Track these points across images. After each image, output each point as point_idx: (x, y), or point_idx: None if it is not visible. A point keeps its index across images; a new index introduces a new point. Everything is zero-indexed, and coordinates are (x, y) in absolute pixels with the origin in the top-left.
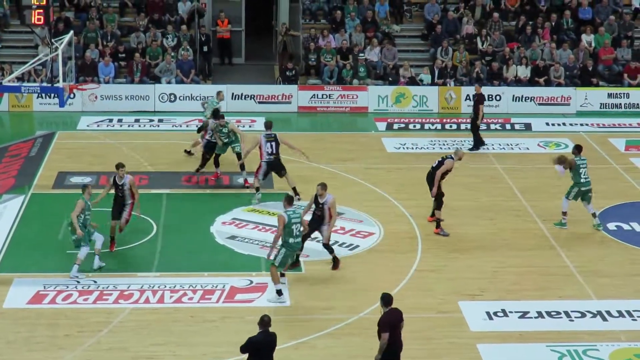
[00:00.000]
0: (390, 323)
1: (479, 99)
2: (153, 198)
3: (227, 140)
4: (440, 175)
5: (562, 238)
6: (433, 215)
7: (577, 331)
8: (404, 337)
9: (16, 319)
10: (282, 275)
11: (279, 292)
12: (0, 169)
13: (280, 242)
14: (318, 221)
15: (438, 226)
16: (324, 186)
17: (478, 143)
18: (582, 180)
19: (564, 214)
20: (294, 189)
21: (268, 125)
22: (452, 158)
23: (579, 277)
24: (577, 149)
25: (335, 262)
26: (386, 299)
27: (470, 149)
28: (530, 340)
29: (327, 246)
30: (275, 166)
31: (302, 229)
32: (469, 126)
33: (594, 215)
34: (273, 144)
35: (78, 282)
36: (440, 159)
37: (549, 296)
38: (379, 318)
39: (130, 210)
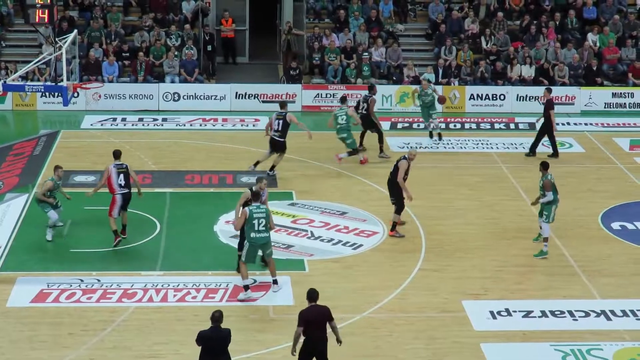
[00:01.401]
0: (306, 318)
1: (548, 105)
2: (157, 197)
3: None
4: (403, 179)
5: (566, 237)
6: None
7: (581, 330)
8: (408, 335)
9: (20, 317)
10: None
11: (246, 287)
12: (4, 168)
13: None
14: None
15: (393, 228)
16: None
17: (555, 150)
18: (557, 197)
19: (546, 240)
20: (272, 167)
21: (282, 104)
22: (405, 159)
23: (582, 276)
24: (544, 167)
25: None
26: (309, 295)
27: (550, 156)
28: (534, 339)
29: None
30: (275, 144)
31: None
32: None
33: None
34: (281, 122)
35: (82, 280)
36: (395, 163)
37: (553, 295)
38: (300, 310)
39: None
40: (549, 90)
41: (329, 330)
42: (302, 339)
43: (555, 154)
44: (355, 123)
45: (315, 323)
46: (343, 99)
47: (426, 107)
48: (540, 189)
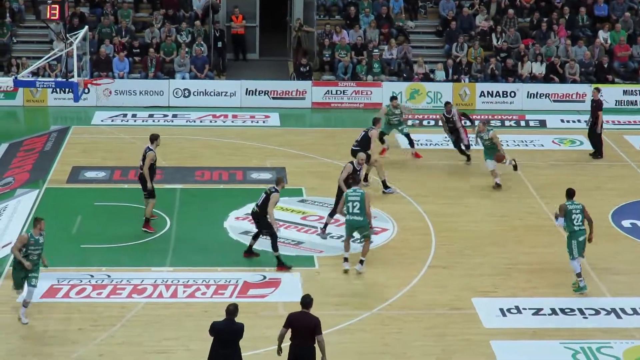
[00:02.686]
0: (291, 322)
1: (597, 105)
2: (167, 193)
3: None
4: (344, 181)
5: None
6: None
7: (591, 328)
8: (418, 332)
9: (30, 313)
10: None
11: (361, 262)
12: (15, 164)
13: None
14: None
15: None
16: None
17: (599, 149)
18: (575, 228)
19: (579, 275)
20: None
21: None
22: (351, 163)
23: (592, 274)
24: (568, 194)
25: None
26: (302, 301)
27: (593, 155)
28: (543, 337)
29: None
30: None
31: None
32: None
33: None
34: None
35: (92, 275)
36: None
37: (563, 293)
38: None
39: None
40: (598, 90)
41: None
42: (288, 343)
43: (599, 153)
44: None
45: (299, 330)
46: (393, 98)
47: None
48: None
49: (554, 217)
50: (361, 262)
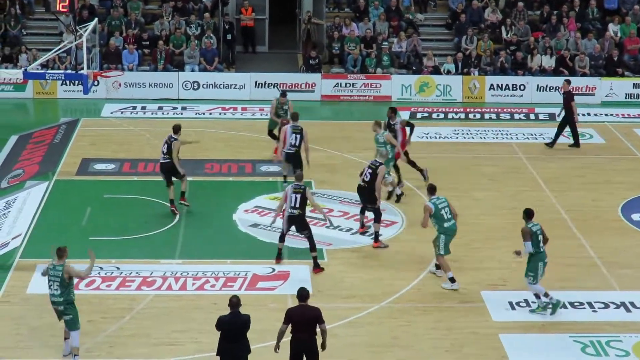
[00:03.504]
0: (292, 318)
1: (568, 96)
2: (176, 185)
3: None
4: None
5: (586, 229)
6: (377, 240)
7: (600, 322)
8: (426, 325)
9: (40, 304)
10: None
11: (452, 280)
12: (25, 156)
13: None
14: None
15: (377, 239)
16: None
17: (576, 140)
18: (542, 249)
19: (546, 295)
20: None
21: (294, 116)
22: (382, 164)
23: (602, 267)
24: (527, 215)
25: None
26: (299, 294)
27: (571, 145)
28: (552, 330)
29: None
30: (293, 159)
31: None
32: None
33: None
34: (298, 136)
35: (101, 268)
36: (370, 171)
37: (572, 287)
38: (288, 308)
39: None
40: (568, 82)
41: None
42: (289, 338)
43: (576, 143)
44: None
45: (300, 323)
46: (283, 94)
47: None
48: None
49: (522, 249)
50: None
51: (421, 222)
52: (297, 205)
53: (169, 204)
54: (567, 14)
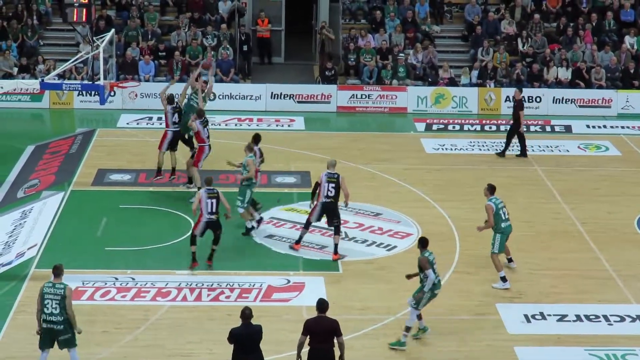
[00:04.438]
0: (310, 329)
1: (518, 105)
2: (191, 196)
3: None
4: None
5: (601, 241)
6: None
7: (616, 335)
8: (442, 337)
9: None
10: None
11: (504, 279)
12: (41, 166)
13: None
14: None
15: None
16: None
17: (523, 150)
18: (437, 280)
19: (408, 329)
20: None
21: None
22: (338, 174)
23: (618, 280)
24: (423, 244)
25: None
26: (319, 305)
27: (518, 155)
28: (568, 343)
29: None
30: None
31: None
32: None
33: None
34: (333, 185)
35: (116, 278)
36: (333, 185)
37: (588, 300)
38: (306, 319)
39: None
40: (520, 90)
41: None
42: (307, 349)
43: (523, 154)
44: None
45: (319, 335)
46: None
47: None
48: (418, 269)
49: (427, 274)
50: (510, 260)
51: (486, 223)
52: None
53: (184, 215)
54: (583, 26)
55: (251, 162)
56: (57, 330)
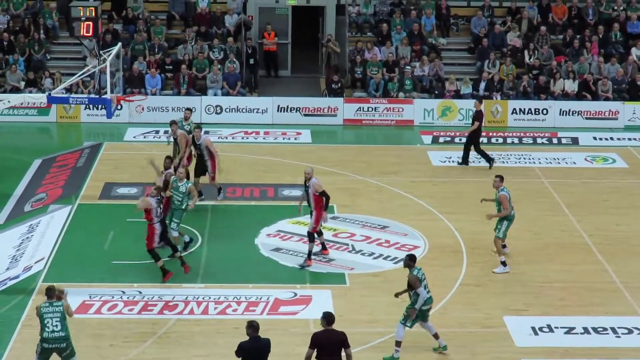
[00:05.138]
0: (317, 342)
1: (476, 116)
2: (198, 209)
3: None
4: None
5: (609, 253)
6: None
7: (623, 348)
8: (449, 350)
9: None
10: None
11: (504, 263)
12: (48, 179)
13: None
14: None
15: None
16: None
17: (487, 158)
18: (428, 294)
19: (398, 344)
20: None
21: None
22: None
23: (625, 292)
24: (412, 260)
25: (324, 247)
26: (327, 318)
27: (460, 163)
28: (575, 356)
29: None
30: None
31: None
32: (474, 142)
33: (436, 336)
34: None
35: (123, 292)
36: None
37: (595, 312)
38: (314, 332)
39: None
40: (480, 101)
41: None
42: None
43: (464, 161)
44: None
45: (327, 347)
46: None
47: (181, 210)
48: (408, 287)
49: (418, 292)
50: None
51: (503, 210)
52: None
53: (191, 228)
54: (589, 38)
55: (193, 187)
56: (61, 349)
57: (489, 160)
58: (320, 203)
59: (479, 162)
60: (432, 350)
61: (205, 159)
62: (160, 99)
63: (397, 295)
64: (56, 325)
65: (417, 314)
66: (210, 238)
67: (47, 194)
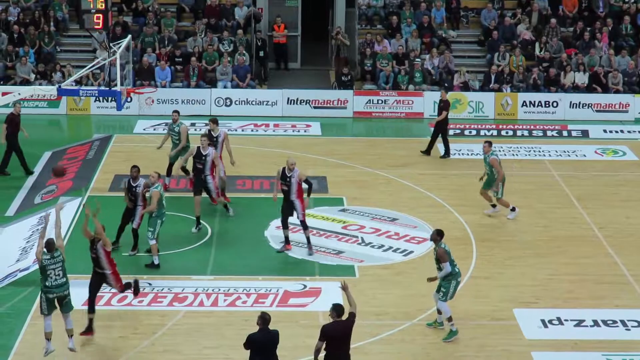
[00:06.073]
0: (328, 334)
1: (443, 105)
2: (208, 201)
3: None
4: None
5: (619, 246)
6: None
7: (633, 340)
8: (459, 343)
9: (74, 319)
10: None
11: (513, 209)
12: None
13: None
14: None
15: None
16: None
17: (429, 149)
18: (457, 270)
19: (450, 319)
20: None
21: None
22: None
23: (635, 285)
24: (439, 234)
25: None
26: (338, 310)
27: (423, 152)
28: (585, 349)
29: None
30: None
31: None
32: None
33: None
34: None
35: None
36: (289, 180)
37: (605, 304)
38: (323, 324)
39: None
40: (446, 91)
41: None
42: (323, 353)
43: (427, 151)
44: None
45: (338, 339)
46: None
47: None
48: (435, 261)
49: (442, 266)
50: None
51: (497, 174)
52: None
53: (202, 221)
54: (600, 30)
55: (156, 193)
56: (64, 295)
57: (447, 152)
58: (302, 191)
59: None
60: (426, 325)
61: (206, 174)
62: (170, 92)
63: (430, 280)
64: (59, 275)
65: (454, 286)
66: (219, 230)
67: (57, 186)
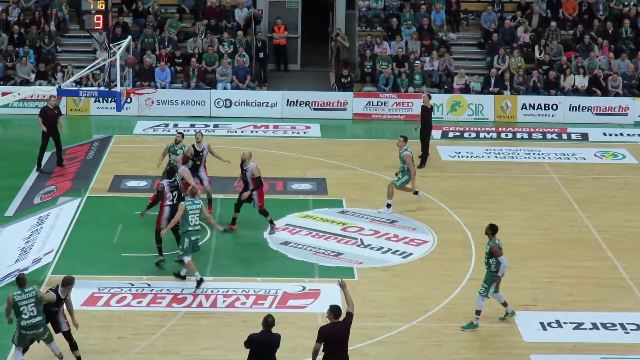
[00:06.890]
0: (326, 335)
1: (426, 111)
2: (207, 203)
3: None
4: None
5: (618, 249)
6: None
7: (632, 344)
8: (458, 345)
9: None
10: None
11: (388, 205)
12: (58, 172)
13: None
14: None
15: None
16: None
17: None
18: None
19: (478, 312)
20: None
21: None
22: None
23: (635, 288)
24: (493, 231)
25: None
26: (335, 311)
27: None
28: (584, 352)
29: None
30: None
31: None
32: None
33: (505, 304)
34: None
35: (132, 284)
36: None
37: (604, 308)
38: (321, 326)
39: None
40: (429, 97)
41: None
42: (322, 355)
43: (423, 156)
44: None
45: (336, 340)
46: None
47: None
48: (485, 256)
49: (499, 260)
50: None
51: (410, 169)
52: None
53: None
54: (600, 33)
55: (182, 206)
56: (39, 333)
57: (425, 156)
58: (256, 183)
59: (488, 157)
60: (499, 320)
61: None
62: (169, 93)
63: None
64: (32, 311)
65: (498, 282)
66: (219, 231)
67: (56, 186)
